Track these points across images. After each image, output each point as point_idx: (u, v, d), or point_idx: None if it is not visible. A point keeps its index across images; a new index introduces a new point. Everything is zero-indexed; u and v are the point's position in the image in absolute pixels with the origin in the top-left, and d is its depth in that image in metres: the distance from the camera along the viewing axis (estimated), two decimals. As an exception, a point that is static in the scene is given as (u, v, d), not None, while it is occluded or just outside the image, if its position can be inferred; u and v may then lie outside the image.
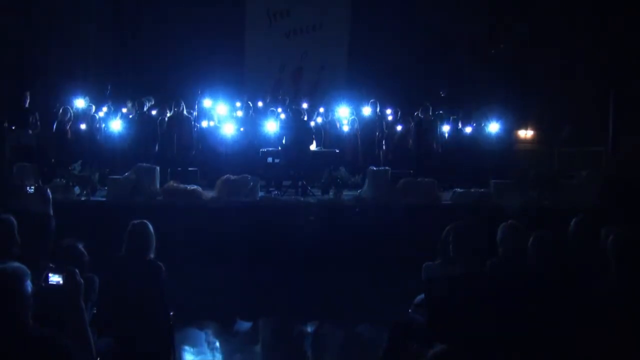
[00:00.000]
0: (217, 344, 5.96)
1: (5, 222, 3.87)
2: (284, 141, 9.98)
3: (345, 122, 11.72)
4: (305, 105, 11.50)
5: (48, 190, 5.45)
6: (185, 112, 10.82)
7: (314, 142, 10.40)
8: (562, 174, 9.93)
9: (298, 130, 9.94)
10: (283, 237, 8.16)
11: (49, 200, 5.31)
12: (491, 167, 10.52)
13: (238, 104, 12.16)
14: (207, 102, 11.80)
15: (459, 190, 9.30)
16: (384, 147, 11.72)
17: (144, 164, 9.11)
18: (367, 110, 11.64)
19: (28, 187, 5.38)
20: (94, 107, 11.76)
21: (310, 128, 10.41)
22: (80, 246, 3.76)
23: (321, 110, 12.48)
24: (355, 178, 9.41)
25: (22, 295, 2.52)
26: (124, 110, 11.91)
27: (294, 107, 11.25)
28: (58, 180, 8.64)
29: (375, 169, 9.49)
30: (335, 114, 12.00)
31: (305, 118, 10.48)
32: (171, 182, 9.00)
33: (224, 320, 6.38)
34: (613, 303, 3.16)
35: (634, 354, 2.96)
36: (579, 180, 9.40)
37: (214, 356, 5.70)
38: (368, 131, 11.52)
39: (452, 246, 4.13)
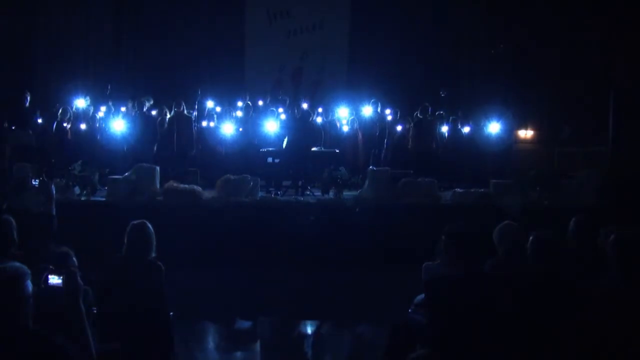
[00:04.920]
0: (217, 344, 5.96)
1: (4, 222, 3.86)
2: (285, 141, 9.97)
3: (345, 122, 11.72)
4: (305, 106, 11.49)
5: (53, 187, 5.37)
6: (185, 112, 10.83)
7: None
8: (562, 174, 9.93)
9: (304, 132, 9.91)
10: (283, 237, 8.16)
11: (52, 198, 5.25)
12: (491, 167, 10.52)
13: (240, 104, 12.16)
14: (207, 102, 11.81)
15: (459, 190, 9.30)
16: (384, 147, 11.72)
17: (144, 164, 9.12)
18: (367, 110, 11.64)
19: (32, 180, 5.30)
20: (92, 108, 11.76)
21: (318, 130, 10.38)
22: (67, 250, 3.74)
23: (320, 110, 12.48)
24: (355, 178, 9.40)
25: (22, 296, 2.52)
26: (124, 109, 11.90)
27: (302, 108, 11.18)
28: (58, 180, 8.64)
29: (375, 169, 9.50)
30: (335, 114, 11.99)
31: (311, 119, 10.44)
32: (171, 182, 8.99)
33: (224, 320, 6.39)
34: (613, 303, 3.16)
35: (634, 353, 2.96)
36: (579, 180, 9.39)
37: (214, 356, 5.71)
38: (368, 131, 11.53)
39: (452, 246, 4.11)
